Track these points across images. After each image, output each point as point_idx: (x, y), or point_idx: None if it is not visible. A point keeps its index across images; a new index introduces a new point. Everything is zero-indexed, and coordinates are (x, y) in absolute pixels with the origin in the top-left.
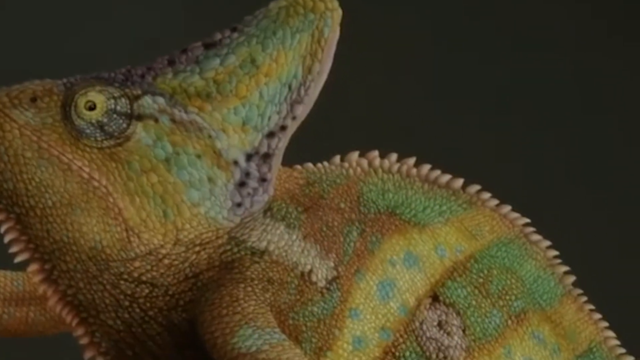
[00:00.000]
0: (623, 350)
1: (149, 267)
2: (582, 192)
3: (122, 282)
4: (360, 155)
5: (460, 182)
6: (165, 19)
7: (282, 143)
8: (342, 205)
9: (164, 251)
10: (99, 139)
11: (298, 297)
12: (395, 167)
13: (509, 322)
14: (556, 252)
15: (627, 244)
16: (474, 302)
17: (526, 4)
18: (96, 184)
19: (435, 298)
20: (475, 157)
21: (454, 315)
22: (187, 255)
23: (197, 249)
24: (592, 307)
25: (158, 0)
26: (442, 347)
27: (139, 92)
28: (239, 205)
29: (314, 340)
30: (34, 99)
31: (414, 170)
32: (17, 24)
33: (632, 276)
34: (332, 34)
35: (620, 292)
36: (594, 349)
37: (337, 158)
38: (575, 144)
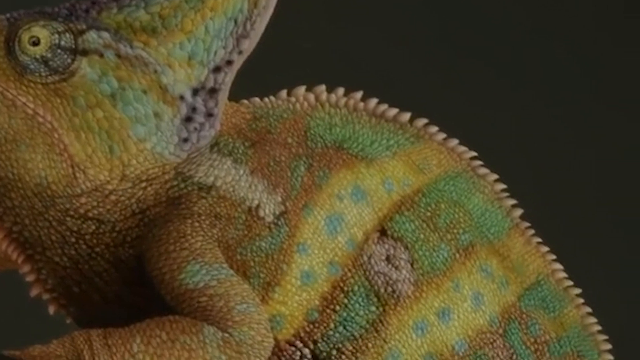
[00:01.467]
0: (570, 283)
1: (95, 203)
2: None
3: (68, 218)
4: (307, 90)
5: (407, 115)
6: None
7: (228, 78)
8: (290, 140)
9: (110, 187)
10: (43, 74)
11: (246, 232)
12: (342, 101)
13: (457, 255)
14: (504, 186)
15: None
16: (422, 236)
17: None
18: (41, 119)
19: (383, 232)
20: (422, 91)
21: (402, 249)
22: (133, 191)
23: (144, 184)
24: (540, 239)
25: None
26: (391, 281)
27: (84, 27)
28: (185, 140)
29: (262, 275)
30: None
31: (361, 104)
32: None
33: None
34: None
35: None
36: (542, 282)
37: (284, 92)
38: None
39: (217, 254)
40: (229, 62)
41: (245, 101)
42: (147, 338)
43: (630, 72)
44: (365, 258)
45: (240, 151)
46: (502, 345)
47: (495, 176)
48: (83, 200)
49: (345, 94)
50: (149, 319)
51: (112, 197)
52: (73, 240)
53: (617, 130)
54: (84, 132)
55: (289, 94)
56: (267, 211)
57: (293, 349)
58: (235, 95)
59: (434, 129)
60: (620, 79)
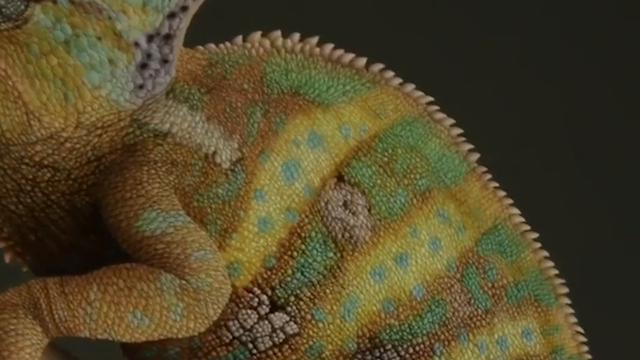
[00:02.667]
0: (527, 227)
1: (50, 150)
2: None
3: (23, 166)
4: (263, 35)
5: (363, 60)
6: None
7: (183, 24)
8: (245, 86)
9: (65, 134)
10: None
11: (202, 179)
12: (298, 46)
13: (414, 200)
14: (460, 130)
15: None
16: (379, 182)
17: None
18: None
19: (340, 178)
20: (378, 36)
21: (359, 194)
22: (89, 139)
23: (99, 132)
24: (496, 184)
25: None
26: (348, 227)
27: None
28: (140, 87)
29: (219, 222)
30: None
31: (317, 50)
32: None
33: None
34: None
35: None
36: (499, 226)
37: (239, 38)
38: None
39: (173, 201)
40: (184, 8)
41: (201, 47)
42: (104, 286)
43: None
44: (323, 204)
45: (196, 98)
46: (459, 290)
47: (452, 121)
48: (38, 148)
49: (301, 40)
50: (106, 267)
51: (67, 145)
52: (28, 188)
53: (574, 66)
54: (39, 79)
55: (244, 40)
56: (223, 158)
57: (251, 295)
58: (191, 41)
59: (390, 73)
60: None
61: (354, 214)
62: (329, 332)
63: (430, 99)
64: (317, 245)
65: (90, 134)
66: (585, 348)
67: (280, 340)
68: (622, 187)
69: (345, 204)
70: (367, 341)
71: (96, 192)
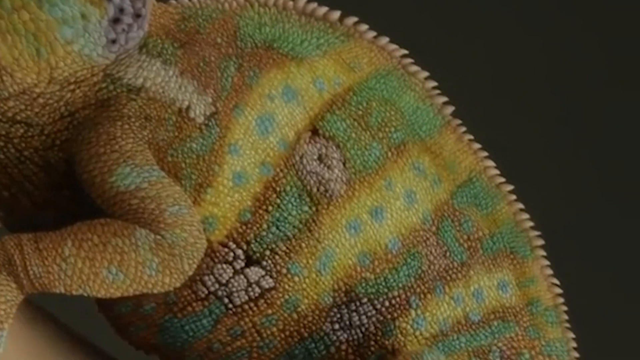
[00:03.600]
0: (502, 179)
1: (23, 106)
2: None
3: None
4: None
5: (337, 14)
6: None
7: None
8: (219, 40)
9: (38, 90)
10: None
11: (176, 134)
12: (272, 0)
13: (389, 154)
14: (434, 83)
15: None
16: (353, 135)
17: None
18: None
19: (314, 132)
20: None
21: (334, 148)
22: (62, 94)
23: (72, 87)
24: (471, 137)
25: None
26: (323, 181)
27: None
28: (113, 42)
29: (193, 177)
30: None
31: (290, 3)
32: None
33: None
34: None
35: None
36: (474, 179)
37: None
38: None
39: (147, 156)
40: None
41: (174, 1)
42: (78, 242)
43: None
44: (297, 158)
45: (170, 52)
46: (435, 243)
47: (426, 74)
48: (11, 103)
49: None
50: (80, 223)
51: (40, 100)
52: (1, 144)
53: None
54: (10, 34)
55: None
56: (197, 112)
57: (226, 250)
58: None
59: (364, 27)
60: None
61: (328, 167)
62: (304, 286)
63: (405, 52)
64: (292, 199)
65: (63, 89)
66: (561, 300)
67: (256, 295)
68: (601, 138)
69: (320, 158)
70: (342, 295)
71: (70, 148)
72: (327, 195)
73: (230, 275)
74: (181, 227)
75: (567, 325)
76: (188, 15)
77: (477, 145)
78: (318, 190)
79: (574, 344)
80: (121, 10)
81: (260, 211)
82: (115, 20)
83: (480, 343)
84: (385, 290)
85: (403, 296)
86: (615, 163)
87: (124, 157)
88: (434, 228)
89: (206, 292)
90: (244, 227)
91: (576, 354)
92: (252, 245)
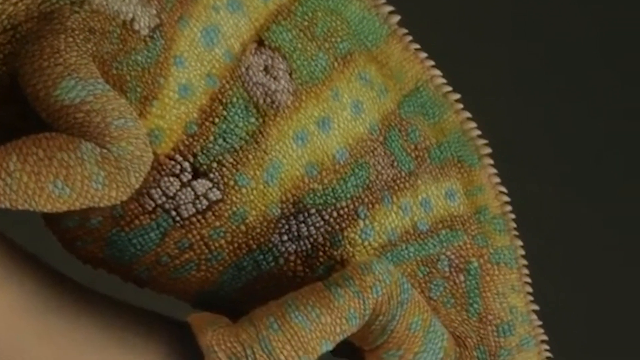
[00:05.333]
0: (449, 88)
1: None
2: None
3: None
4: None
5: None
6: None
7: None
8: None
9: None
10: None
11: (121, 46)
12: None
13: (336, 64)
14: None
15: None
16: (299, 46)
17: None
18: None
19: (260, 43)
20: None
21: (280, 59)
22: (3, 7)
23: (14, 0)
24: (418, 46)
25: None
26: (269, 92)
27: None
28: None
29: (139, 89)
30: None
31: None
32: None
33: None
34: None
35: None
36: (421, 88)
37: None
38: None
39: (92, 69)
40: None
41: None
42: (23, 156)
43: None
44: (243, 69)
45: None
46: (382, 153)
47: None
48: None
49: None
50: (26, 137)
51: None
52: None
53: None
54: None
55: None
56: (141, 24)
57: (173, 162)
58: None
59: None
60: None
61: (275, 78)
62: (252, 197)
63: None
64: (239, 111)
65: (5, 2)
66: (509, 207)
67: (204, 207)
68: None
69: (266, 69)
70: (290, 206)
71: (13, 62)
72: (274, 106)
73: (178, 188)
74: (127, 140)
75: (515, 233)
76: None
77: (423, 55)
78: (264, 101)
79: (522, 252)
80: None
81: (207, 123)
82: None
83: (428, 252)
84: (333, 200)
85: (351, 206)
86: (616, 163)
87: (68, 70)
88: (381, 138)
89: (153, 205)
90: (190, 139)
91: (524, 262)
92: (199, 158)
